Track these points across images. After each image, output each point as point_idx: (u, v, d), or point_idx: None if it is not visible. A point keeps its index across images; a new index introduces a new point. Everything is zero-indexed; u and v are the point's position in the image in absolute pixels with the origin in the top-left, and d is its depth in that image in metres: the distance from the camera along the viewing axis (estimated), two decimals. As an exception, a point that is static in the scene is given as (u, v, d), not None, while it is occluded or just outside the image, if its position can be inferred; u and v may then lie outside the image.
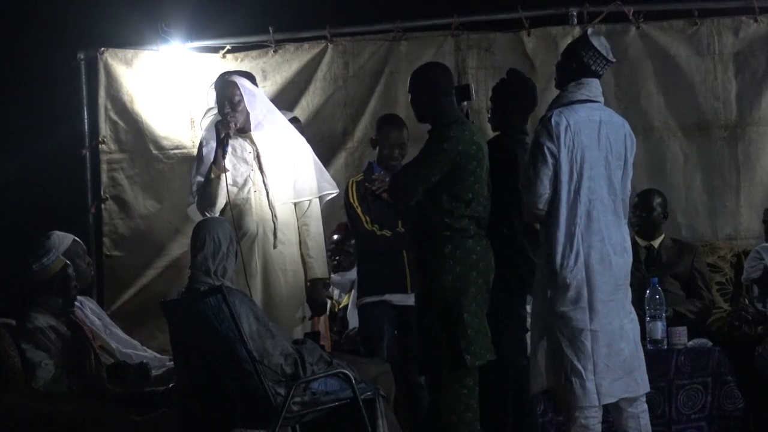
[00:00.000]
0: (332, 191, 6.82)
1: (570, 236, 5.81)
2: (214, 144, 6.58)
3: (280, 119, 6.81)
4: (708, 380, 6.70)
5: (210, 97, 6.77)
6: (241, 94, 6.60)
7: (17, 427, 5.84)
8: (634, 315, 5.96)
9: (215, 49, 8.42)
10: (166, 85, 8.40)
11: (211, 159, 6.55)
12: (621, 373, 5.81)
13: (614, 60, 6.02)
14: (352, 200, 6.95)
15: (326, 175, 6.86)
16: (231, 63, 8.33)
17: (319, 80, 8.37)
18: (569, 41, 7.93)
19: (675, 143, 8.08)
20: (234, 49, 8.39)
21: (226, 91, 6.60)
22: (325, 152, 8.08)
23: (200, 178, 6.61)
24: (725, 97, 8.04)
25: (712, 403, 6.70)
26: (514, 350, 6.20)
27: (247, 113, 6.62)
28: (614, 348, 5.81)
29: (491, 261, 5.97)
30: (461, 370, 5.82)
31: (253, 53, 8.41)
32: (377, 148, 7.01)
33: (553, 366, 5.82)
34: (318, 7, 8.55)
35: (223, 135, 6.51)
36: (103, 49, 8.45)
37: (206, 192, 6.56)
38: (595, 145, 5.87)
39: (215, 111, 6.72)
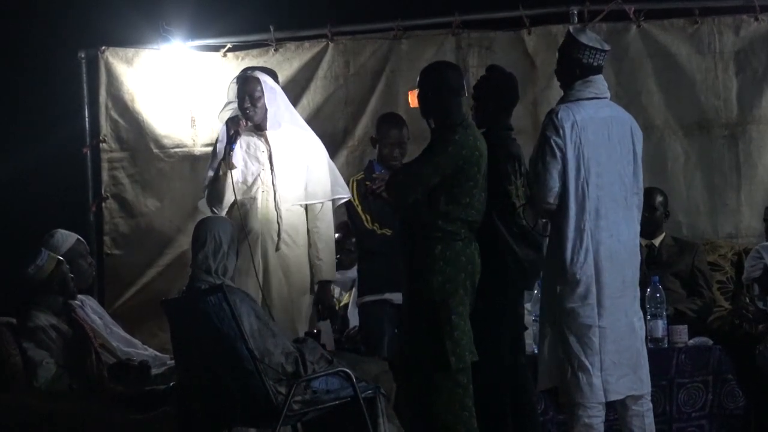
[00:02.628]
0: (345, 196, 6.83)
1: (579, 232, 5.81)
2: (226, 141, 6.60)
3: (298, 118, 6.84)
4: (709, 379, 6.70)
5: (231, 91, 6.77)
6: (262, 90, 6.63)
7: (18, 426, 5.84)
8: (641, 314, 5.97)
9: (216, 48, 8.42)
10: (166, 83, 8.40)
11: (222, 155, 6.57)
12: (628, 370, 5.82)
13: (609, 47, 6.01)
14: (352, 199, 6.96)
15: (340, 179, 6.86)
16: (232, 62, 8.34)
17: (319, 79, 8.37)
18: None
19: (676, 142, 8.08)
20: (235, 48, 8.40)
21: (248, 86, 6.62)
22: (327, 151, 8.08)
23: (211, 173, 6.63)
24: (726, 96, 8.04)
25: (712, 402, 6.70)
26: (512, 349, 6.20)
27: (266, 110, 6.64)
28: (622, 345, 5.82)
29: (478, 263, 5.98)
30: (449, 371, 5.82)
31: (254, 52, 8.42)
32: (377, 146, 7.01)
33: (559, 361, 5.83)
34: (319, 6, 8.54)
35: (232, 132, 6.53)
36: (103, 47, 8.44)
37: (214, 188, 6.58)
38: (604, 141, 5.87)
39: (234, 105, 6.74)
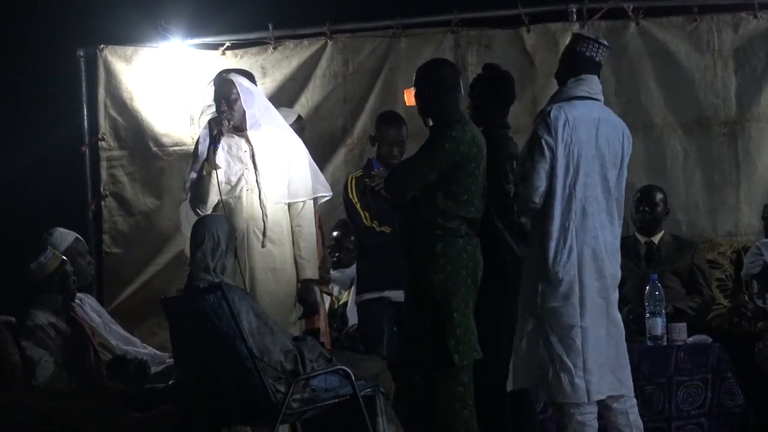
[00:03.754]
0: (326, 194, 6.82)
1: (564, 231, 5.80)
2: (208, 141, 6.59)
3: (278, 119, 6.81)
4: (708, 376, 6.70)
5: (208, 94, 6.77)
6: (238, 93, 6.60)
7: (17, 425, 5.84)
8: (619, 317, 5.96)
9: (215, 46, 8.42)
10: (165, 82, 8.40)
11: (204, 156, 6.56)
12: (607, 370, 5.81)
13: (607, 44, 6.01)
14: (351, 196, 6.95)
15: (321, 177, 6.86)
16: (231, 60, 8.33)
17: (318, 77, 8.36)
18: (569, 37, 7.98)
19: (675, 140, 8.08)
20: (233, 46, 8.40)
21: (223, 88, 6.61)
22: (325, 149, 8.09)
23: (194, 175, 6.62)
24: (725, 94, 8.04)
25: (712, 400, 6.70)
26: (511, 348, 6.18)
27: (244, 112, 6.62)
28: (602, 345, 5.81)
29: (480, 260, 5.97)
30: (452, 369, 5.82)
31: (253, 50, 8.42)
32: (376, 145, 7.01)
33: (540, 361, 5.81)
34: (317, 4, 8.54)
35: (215, 132, 6.52)
36: (102, 46, 8.44)
37: (198, 189, 6.56)
38: (592, 142, 5.86)
39: (214, 108, 6.73)
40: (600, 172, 5.87)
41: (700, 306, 7.27)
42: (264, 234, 6.56)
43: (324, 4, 8.55)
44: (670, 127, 8.08)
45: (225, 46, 8.39)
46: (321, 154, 7.11)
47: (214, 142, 6.50)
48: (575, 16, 8.11)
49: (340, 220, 7.71)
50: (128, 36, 8.50)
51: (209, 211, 6.54)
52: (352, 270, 7.60)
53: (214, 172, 6.50)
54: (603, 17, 8.07)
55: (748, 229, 7.96)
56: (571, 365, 5.74)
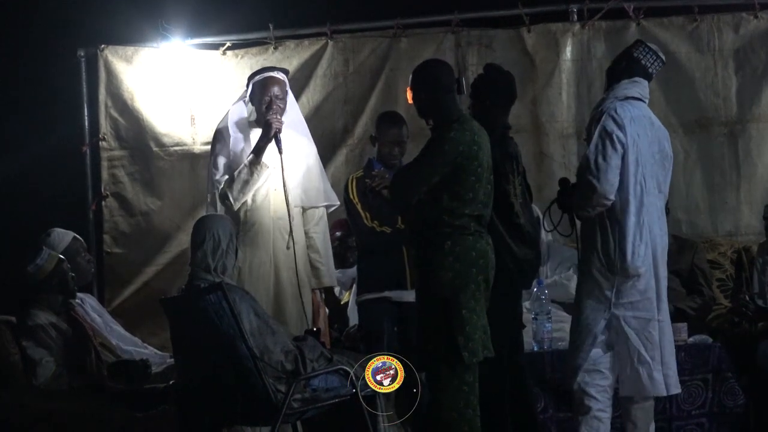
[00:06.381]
0: (335, 204, 6.88)
1: (640, 226, 5.84)
2: (242, 135, 6.61)
3: (300, 123, 6.85)
4: (708, 376, 6.70)
5: (256, 87, 6.74)
6: (287, 92, 6.67)
7: (18, 425, 5.85)
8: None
9: (215, 46, 8.42)
10: (166, 82, 8.40)
11: (249, 152, 6.56)
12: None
13: (664, 59, 6.04)
14: (352, 197, 6.95)
15: (329, 185, 6.91)
16: (231, 60, 8.34)
17: (319, 77, 8.37)
18: (569, 37, 8.00)
19: (675, 140, 8.05)
20: (234, 46, 8.40)
21: (275, 87, 6.64)
22: (326, 149, 8.08)
23: (224, 165, 6.60)
24: (725, 94, 8.05)
25: (712, 400, 6.70)
26: (510, 347, 6.19)
27: (284, 112, 6.69)
28: (672, 339, 5.91)
29: (492, 258, 5.94)
30: (460, 367, 5.81)
31: (254, 50, 8.42)
32: (377, 145, 7.01)
33: (619, 356, 5.84)
34: (318, 4, 8.54)
35: (274, 130, 6.54)
36: (103, 46, 8.44)
37: (243, 182, 6.55)
38: (647, 141, 5.91)
39: (241, 103, 6.76)
40: (654, 170, 5.94)
41: (701, 306, 7.28)
42: (289, 235, 6.59)
43: (324, 4, 8.55)
44: (671, 127, 8.05)
45: (225, 46, 8.39)
46: (322, 155, 7.09)
47: (275, 139, 6.52)
48: (576, 17, 8.12)
49: (341, 220, 7.71)
50: (129, 36, 8.50)
51: (238, 206, 6.57)
52: (353, 270, 7.60)
53: (265, 169, 6.53)
54: (604, 17, 8.08)
55: (749, 230, 7.97)
56: (649, 359, 5.80)
